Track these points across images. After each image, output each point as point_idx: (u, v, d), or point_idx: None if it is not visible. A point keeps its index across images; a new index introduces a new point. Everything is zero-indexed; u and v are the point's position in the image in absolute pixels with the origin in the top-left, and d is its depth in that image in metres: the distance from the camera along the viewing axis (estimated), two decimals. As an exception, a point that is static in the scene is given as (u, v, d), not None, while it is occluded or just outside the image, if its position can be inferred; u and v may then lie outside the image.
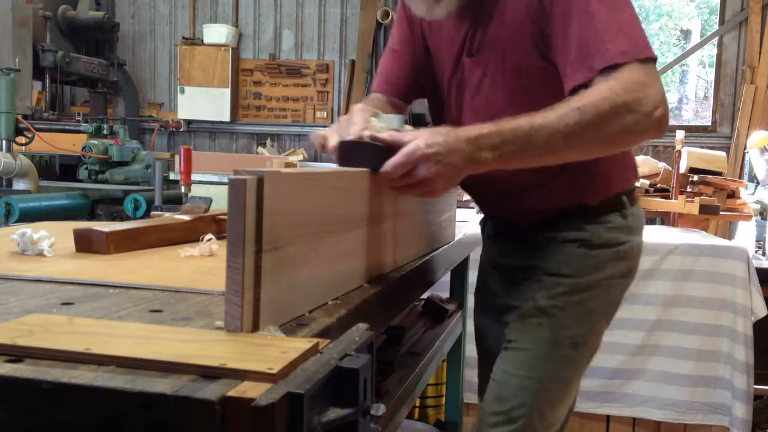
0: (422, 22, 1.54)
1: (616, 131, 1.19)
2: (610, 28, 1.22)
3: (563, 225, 1.47)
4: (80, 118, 5.84)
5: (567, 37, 1.25)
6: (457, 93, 1.48)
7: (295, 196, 0.87)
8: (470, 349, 2.74)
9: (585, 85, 1.22)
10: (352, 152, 1.13)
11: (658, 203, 3.90)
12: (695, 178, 3.92)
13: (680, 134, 3.87)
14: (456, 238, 1.76)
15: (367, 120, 1.21)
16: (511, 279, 1.54)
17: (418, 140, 1.10)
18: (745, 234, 4.61)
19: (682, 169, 3.97)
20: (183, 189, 3.63)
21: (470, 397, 2.91)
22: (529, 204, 1.50)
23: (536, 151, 1.18)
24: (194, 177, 3.81)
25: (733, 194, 4.04)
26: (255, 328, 0.78)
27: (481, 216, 1.77)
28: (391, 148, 1.10)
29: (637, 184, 1.56)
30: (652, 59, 1.22)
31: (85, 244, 1.26)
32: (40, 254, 1.21)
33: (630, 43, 1.21)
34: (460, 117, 1.48)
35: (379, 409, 0.69)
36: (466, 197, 2.99)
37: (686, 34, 10.49)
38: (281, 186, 0.82)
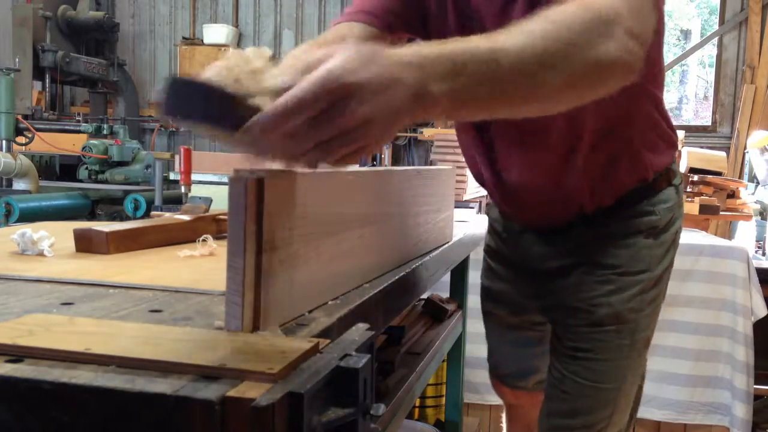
0: None
1: (589, 55, 0.86)
2: None
3: (623, 212, 1.34)
4: (80, 118, 5.85)
5: None
6: None
7: (295, 196, 0.87)
8: (470, 349, 2.75)
9: None
10: (182, 99, 0.65)
11: (658, 203, 3.89)
12: (695, 178, 3.92)
13: (680, 134, 3.87)
14: (456, 238, 1.76)
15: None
16: (562, 276, 1.41)
17: (332, 61, 0.66)
18: (745, 234, 4.60)
19: (682, 169, 3.97)
20: (183, 189, 3.63)
21: (470, 397, 2.92)
22: (575, 201, 1.37)
23: (505, 80, 0.79)
24: (194, 177, 3.81)
25: (733, 194, 4.04)
26: (255, 328, 0.78)
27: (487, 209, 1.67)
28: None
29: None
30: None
31: (85, 244, 1.26)
32: (40, 254, 1.21)
33: None
34: None
35: (379, 409, 0.69)
36: (466, 197, 2.99)
37: (686, 34, 10.49)
38: (281, 185, 0.82)
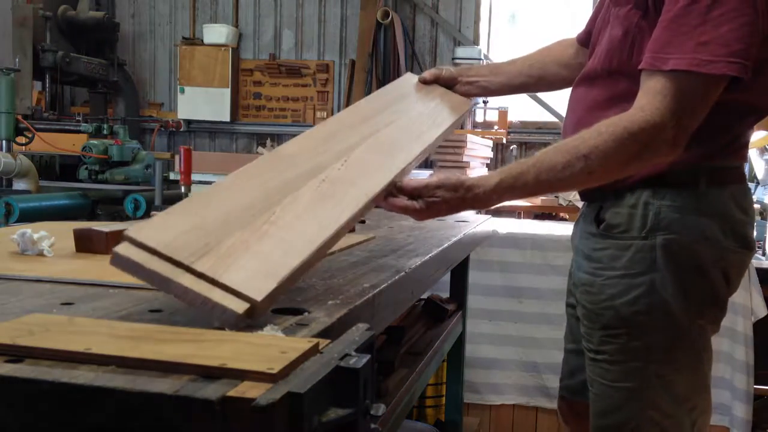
0: None
1: (624, 161, 1.23)
2: (706, 24, 1.18)
3: (626, 195, 1.34)
4: (80, 118, 5.84)
5: (668, 12, 1.23)
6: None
7: (183, 214, 0.89)
8: (470, 349, 2.75)
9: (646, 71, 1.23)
10: None
11: (658, 203, 3.89)
12: (695, 178, 3.91)
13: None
14: (456, 238, 1.76)
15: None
16: (582, 272, 1.43)
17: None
18: (745, 234, 4.60)
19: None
20: (183, 189, 3.63)
21: (470, 397, 2.92)
22: None
23: (531, 193, 1.29)
24: (194, 177, 3.80)
25: (733, 194, 4.03)
26: (251, 311, 0.79)
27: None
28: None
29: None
30: (717, 75, 1.18)
31: (85, 244, 1.26)
32: (40, 254, 1.21)
33: (716, 51, 1.17)
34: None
35: (379, 409, 0.69)
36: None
37: (686, 34, 10.47)
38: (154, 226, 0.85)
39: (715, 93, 1.22)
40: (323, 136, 1.23)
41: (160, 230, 0.84)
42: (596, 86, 1.39)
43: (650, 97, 1.21)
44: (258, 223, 0.93)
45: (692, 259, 1.33)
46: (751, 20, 1.18)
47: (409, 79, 1.63)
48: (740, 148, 1.38)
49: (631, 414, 1.36)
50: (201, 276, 0.80)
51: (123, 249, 0.81)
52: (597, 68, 1.39)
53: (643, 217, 1.32)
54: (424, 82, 1.62)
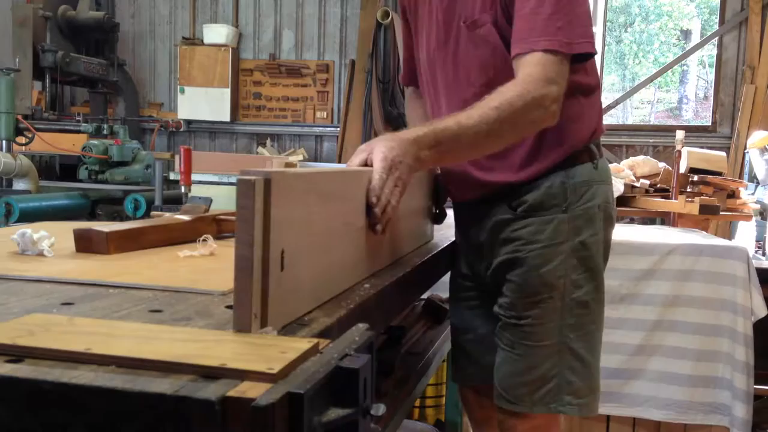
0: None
1: (525, 123, 1.39)
2: (558, 12, 1.39)
3: (544, 181, 1.52)
4: (80, 118, 5.83)
5: (522, 9, 1.43)
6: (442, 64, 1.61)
7: (300, 202, 0.87)
8: (470, 349, 2.74)
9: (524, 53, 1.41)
10: None
11: (658, 203, 3.90)
12: (695, 178, 3.91)
13: (680, 134, 3.87)
14: (455, 239, 1.76)
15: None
16: (504, 255, 1.57)
17: (377, 153, 1.19)
18: (745, 234, 4.61)
19: (682, 169, 3.96)
20: (183, 189, 3.62)
21: (470, 397, 2.92)
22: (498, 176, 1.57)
23: (464, 148, 1.36)
24: (194, 177, 3.80)
25: (733, 194, 4.04)
26: (263, 324, 0.78)
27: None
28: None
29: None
30: (580, 54, 1.42)
31: (85, 244, 1.26)
32: (40, 254, 1.21)
33: (570, 34, 1.40)
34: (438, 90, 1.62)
35: (379, 409, 0.69)
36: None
37: (686, 34, 10.49)
38: (288, 190, 0.82)
39: (568, 68, 1.43)
40: None
41: None
42: (473, 103, 1.52)
43: (530, 70, 1.39)
44: None
45: (601, 221, 1.56)
46: (588, 8, 1.46)
47: None
48: (599, 125, 1.62)
49: (555, 362, 1.52)
50: None
51: None
52: (476, 88, 1.53)
53: (562, 194, 1.52)
54: None
